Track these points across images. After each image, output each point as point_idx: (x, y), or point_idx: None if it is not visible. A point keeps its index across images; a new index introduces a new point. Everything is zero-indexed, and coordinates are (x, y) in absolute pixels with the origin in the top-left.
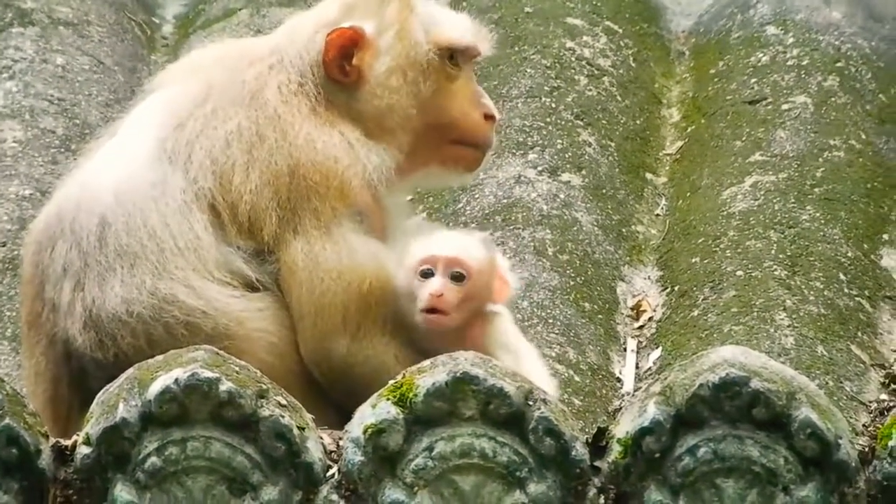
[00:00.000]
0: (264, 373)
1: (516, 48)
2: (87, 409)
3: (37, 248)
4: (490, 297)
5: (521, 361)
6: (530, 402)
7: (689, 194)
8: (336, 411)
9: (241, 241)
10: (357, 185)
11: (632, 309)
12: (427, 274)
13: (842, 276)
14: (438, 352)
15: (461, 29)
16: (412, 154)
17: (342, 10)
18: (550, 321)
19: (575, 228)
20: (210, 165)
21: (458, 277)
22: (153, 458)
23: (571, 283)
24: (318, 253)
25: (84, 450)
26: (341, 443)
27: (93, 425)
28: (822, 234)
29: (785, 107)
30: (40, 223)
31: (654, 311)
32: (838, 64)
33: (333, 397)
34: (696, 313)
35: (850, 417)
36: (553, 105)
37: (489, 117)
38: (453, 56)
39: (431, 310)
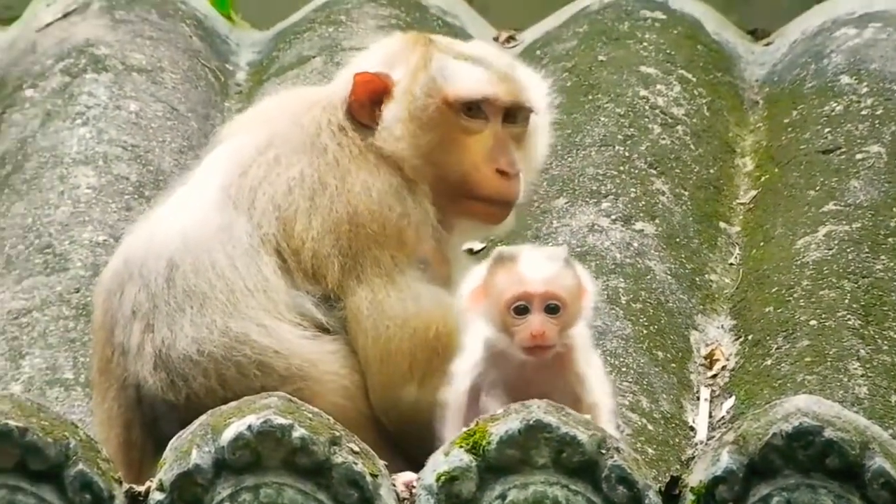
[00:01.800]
0: (336, 416)
1: (590, 97)
2: (159, 455)
3: (106, 295)
4: (581, 314)
5: (597, 376)
6: (603, 451)
7: (762, 243)
8: (409, 456)
9: (308, 286)
10: (412, 233)
11: (705, 358)
12: (521, 310)
13: None
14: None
15: (472, 81)
16: (438, 205)
17: (381, 54)
18: (623, 370)
19: (648, 277)
20: (273, 211)
21: (554, 310)
22: None
23: (644, 331)
24: (383, 300)
25: (157, 496)
26: (414, 490)
27: (166, 471)
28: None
29: (859, 156)
30: (109, 270)
31: (728, 359)
32: None
33: (402, 445)
34: (769, 362)
35: None
36: (626, 153)
37: (503, 172)
38: (471, 108)
39: (539, 348)
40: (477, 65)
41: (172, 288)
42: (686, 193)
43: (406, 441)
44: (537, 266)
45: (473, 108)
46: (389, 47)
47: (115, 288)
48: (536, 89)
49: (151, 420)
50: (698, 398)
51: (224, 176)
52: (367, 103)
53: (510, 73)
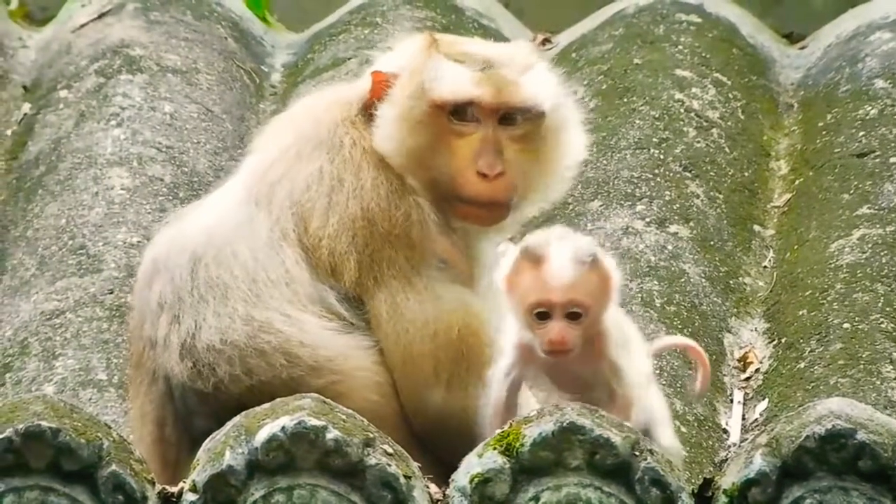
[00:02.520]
0: (370, 413)
1: (625, 99)
2: (194, 453)
3: (139, 289)
4: (606, 309)
5: (634, 363)
6: (637, 453)
7: (796, 247)
8: (441, 457)
9: (331, 282)
10: (417, 232)
11: (738, 360)
12: (543, 315)
13: None
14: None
15: (457, 83)
16: (436, 206)
17: (400, 55)
18: (657, 372)
19: (682, 280)
20: (290, 207)
21: (575, 316)
22: None
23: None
24: (401, 304)
25: (190, 497)
26: (447, 491)
27: (199, 472)
28: None
29: (893, 160)
30: (144, 265)
31: (761, 362)
32: None
33: (433, 448)
34: (802, 365)
35: None
36: (661, 157)
37: (484, 175)
38: (458, 111)
39: (559, 353)
40: (469, 66)
41: (196, 280)
42: (720, 196)
43: (437, 444)
44: (561, 270)
45: (460, 111)
46: (407, 48)
47: (144, 284)
48: (544, 89)
49: (184, 414)
50: (731, 401)
51: (248, 175)
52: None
53: (505, 74)
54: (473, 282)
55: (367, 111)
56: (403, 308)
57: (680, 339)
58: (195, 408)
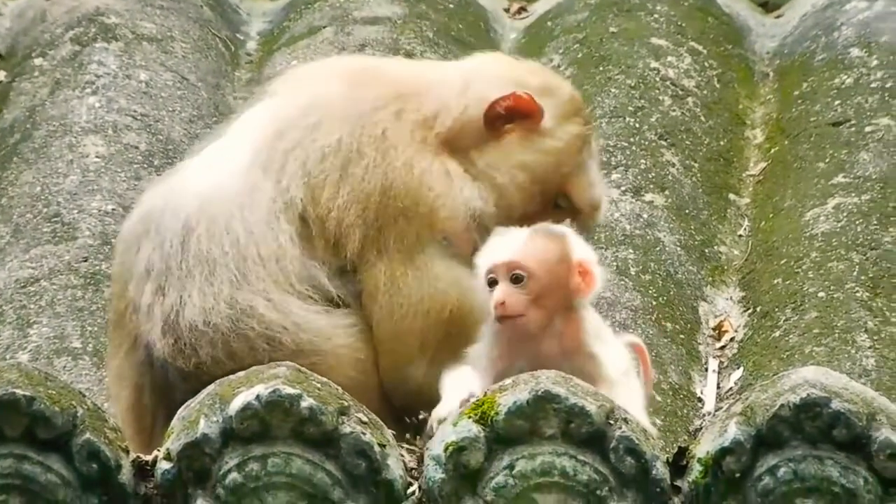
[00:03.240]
0: (350, 389)
1: (601, 68)
2: (170, 420)
3: (125, 247)
4: (571, 291)
5: (612, 353)
6: (611, 421)
7: (771, 215)
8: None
9: (327, 256)
10: (445, 215)
11: (713, 329)
12: (493, 283)
13: None
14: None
15: (595, 198)
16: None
17: (532, 80)
18: None
19: (658, 248)
20: (302, 177)
21: (519, 279)
22: (234, 475)
23: (653, 302)
24: (399, 277)
25: (164, 465)
26: (423, 460)
27: (173, 441)
28: None
29: (868, 129)
30: (130, 222)
31: (736, 331)
32: None
33: (411, 423)
34: (777, 334)
35: None
36: (637, 125)
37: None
38: (562, 207)
39: (504, 317)
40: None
41: (186, 252)
42: (696, 165)
43: (414, 416)
44: (508, 239)
45: (565, 208)
46: (540, 78)
47: (132, 241)
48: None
49: (163, 385)
50: (706, 369)
51: (256, 137)
52: (505, 116)
53: None
54: (472, 262)
55: (487, 115)
56: (401, 282)
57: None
58: (175, 382)
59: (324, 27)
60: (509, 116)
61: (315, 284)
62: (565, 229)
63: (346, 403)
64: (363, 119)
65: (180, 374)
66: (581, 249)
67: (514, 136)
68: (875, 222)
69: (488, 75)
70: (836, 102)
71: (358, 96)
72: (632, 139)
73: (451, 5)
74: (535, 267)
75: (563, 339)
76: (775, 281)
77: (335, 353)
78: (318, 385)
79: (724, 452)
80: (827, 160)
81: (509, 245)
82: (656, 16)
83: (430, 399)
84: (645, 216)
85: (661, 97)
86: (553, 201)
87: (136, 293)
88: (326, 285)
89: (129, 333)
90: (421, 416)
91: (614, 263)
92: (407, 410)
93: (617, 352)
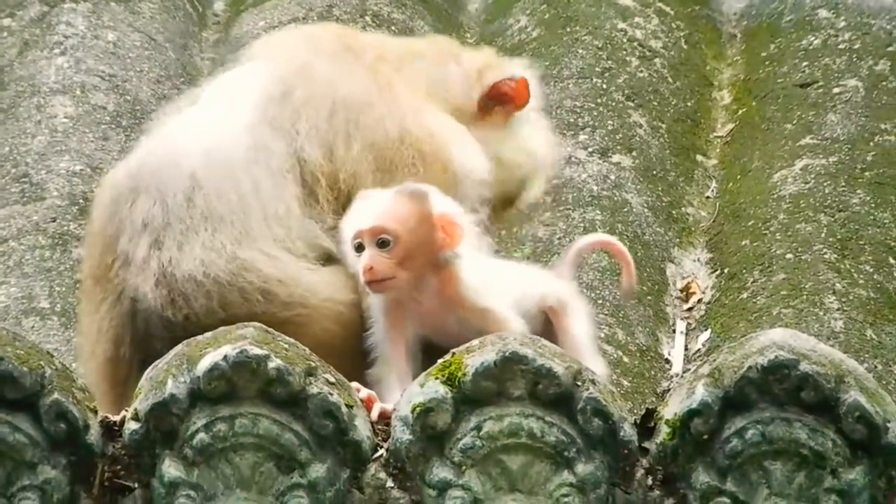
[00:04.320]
0: (330, 342)
1: (568, 29)
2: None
3: (114, 199)
4: (437, 247)
5: (495, 302)
6: (579, 383)
7: (739, 177)
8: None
9: (329, 214)
10: (453, 167)
11: (681, 291)
12: (360, 248)
13: (891, 260)
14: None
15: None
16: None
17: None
18: (600, 302)
19: (625, 210)
20: (315, 134)
21: (385, 244)
22: (201, 435)
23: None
24: None
25: (132, 425)
26: (390, 420)
27: (141, 401)
28: (871, 217)
29: (836, 90)
30: (119, 174)
31: (704, 293)
32: (890, 48)
33: None
34: (745, 296)
35: None
36: (604, 86)
37: None
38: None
39: (374, 282)
40: None
41: (191, 208)
42: (663, 126)
43: None
44: (371, 202)
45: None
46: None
47: (126, 195)
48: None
49: (144, 336)
50: (674, 331)
51: (261, 96)
52: (495, 99)
53: None
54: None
55: (487, 93)
56: None
57: (597, 238)
58: (158, 333)
59: None
60: (504, 99)
61: (313, 243)
62: (427, 187)
63: (313, 364)
64: (367, 72)
65: (165, 324)
66: (443, 204)
67: (499, 119)
68: (843, 184)
69: (475, 58)
70: (804, 64)
71: (356, 54)
72: (599, 100)
73: None
74: (398, 229)
75: (441, 296)
76: (743, 242)
77: (318, 306)
78: (286, 346)
79: (691, 414)
80: (794, 122)
81: (373, 209)
82: None
83: None
84: (612, 177)
85: (628, 58)
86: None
87: (130, 246)
88: (324, 239)
89: (114, 287)
90: None
91: (581, 225)
92: None
93: (508, 297)
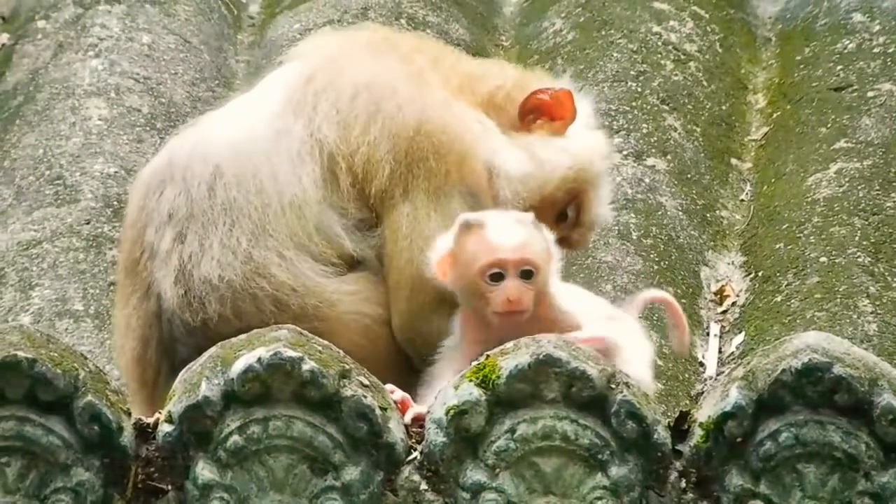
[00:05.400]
0: (356, 355)
1: (603, 32)
2: (174, 377)
3: (144, 191)
4: (551, 272)
5: (583, 318)
6: (613, 386)
7: (773, 180)
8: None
9: (350, 202)
10: (475, 162)
11: (715, 294)
12: (496, 277)
13: None
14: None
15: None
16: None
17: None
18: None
19: (659, 213)
20: (335, 116)
21: (528, 275)
22: (235, 437)
23: (655, 267)
24: (422, 220)
25: (166, 428)
26: (424, 423)
27: (175, 403)
28: None
29: (870, 94)
30: (151, 168)
31: (738, 296)
32: None
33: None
34: (779, 299)
35: None
36: (639, 89)
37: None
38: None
39: (513, 312)
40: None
41: (213, 198)
42: (698, 129)
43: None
44: (509, 232)
45: (568, 219)
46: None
47: (155, 186)
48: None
49: (169, 339)
50: (708, 334)
51: (287, 87)
52: (535, 111)
53: None
54: None
55: (525, 101)
56: (424, 225)
57: (656, 294)
58: (181, 337)
59: None
60: (544, 111)
61: (331, 238)
62: (532, 215)
63: (347, 366)
64: (399, 60)
65: (186, 327)
66: (547, 232)
67: (544, 132)
68: (877, 187)
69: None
70: (839, 67)
71: (393, 45)
72: (634, 103)
73: None
74: (540, 262)
75: (533, 316)
76: (777, 246)
77: (340, 320)
78: (320, 348)
79: (725, 417)
80: (829, 125)
81: (512, 239)
82: None
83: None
84: (647, 181)
85: (663, 61)
86: (564, 209)
87: (156, 237)
88: (343, 239)
89: (142, 281)
90: None
91: (616, 228)
92: (423, 364)
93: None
